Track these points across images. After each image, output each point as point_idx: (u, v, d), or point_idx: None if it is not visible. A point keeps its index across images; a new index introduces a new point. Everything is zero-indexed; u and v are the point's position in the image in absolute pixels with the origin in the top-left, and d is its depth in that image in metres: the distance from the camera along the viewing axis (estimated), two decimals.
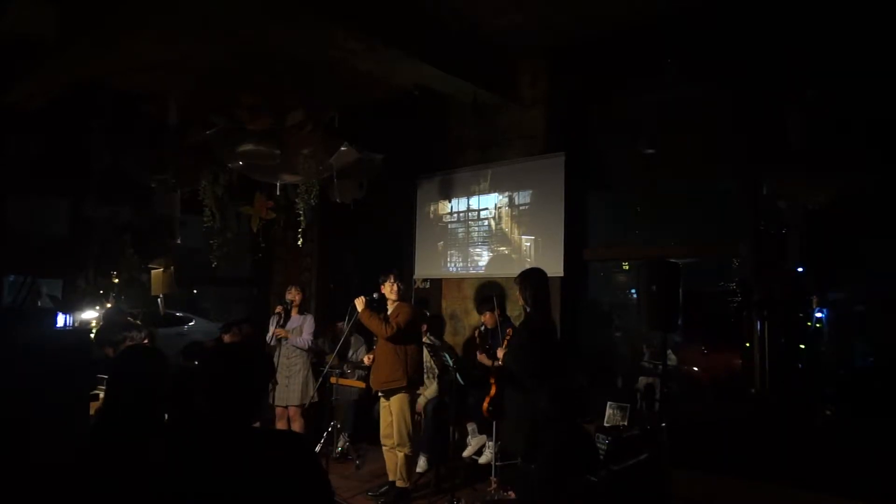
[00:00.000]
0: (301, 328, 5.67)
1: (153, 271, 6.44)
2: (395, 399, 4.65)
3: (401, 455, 4.62)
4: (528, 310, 4.09)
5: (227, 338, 6.32)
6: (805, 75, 4.69)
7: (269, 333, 5.72)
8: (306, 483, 1.80)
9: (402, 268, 6.75)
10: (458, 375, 5.17)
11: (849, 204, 4.64)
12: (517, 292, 4.23)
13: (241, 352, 2.10)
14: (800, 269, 5.19)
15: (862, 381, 4.99)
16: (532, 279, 4.12)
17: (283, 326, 5.67)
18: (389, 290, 4.77)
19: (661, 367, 4.36)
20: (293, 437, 2.00)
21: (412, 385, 4.66)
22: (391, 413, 4.69)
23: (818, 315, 5.29)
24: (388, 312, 4.76)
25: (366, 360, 5.75)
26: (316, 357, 6.20)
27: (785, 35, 4.64)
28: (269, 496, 1.72)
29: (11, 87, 5.17)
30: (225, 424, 1.83)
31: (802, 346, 5.23)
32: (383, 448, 4.78)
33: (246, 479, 1.72)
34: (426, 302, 6.77)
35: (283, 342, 5.65)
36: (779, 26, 4.65)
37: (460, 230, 6.62)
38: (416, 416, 5.23)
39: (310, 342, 5.65)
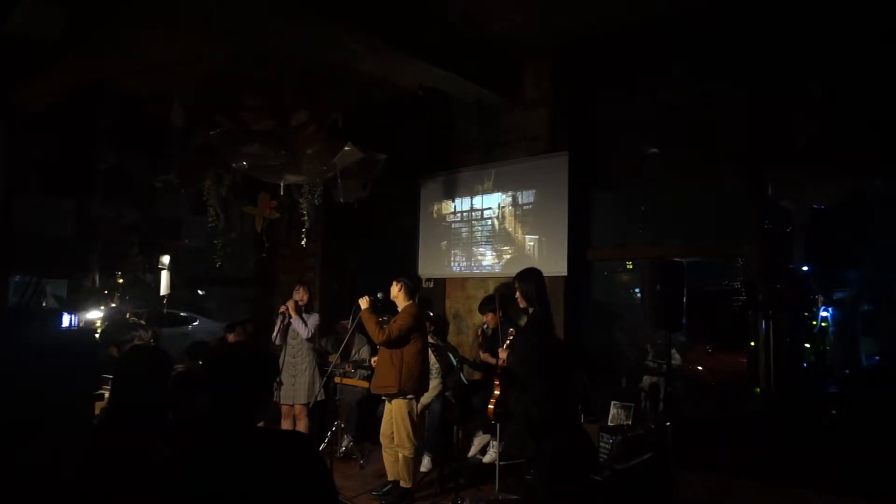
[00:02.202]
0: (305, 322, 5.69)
1: (162, 271, 6.46)
2: (394, 403, 4.66)
3: (402, 456, 4.62)
4: (530, 311, 4.08)
5: (231, 337, 6.35)
6: (809, 74, 4.67)
7: (274, 333, 5.73)
8: (311, 483, 1.80)
9: (406, 268, 6.76)
10: (461, 375, 5.17)
11: (854, 203, 4.62)
12: (516, 293, 4.21)
13: (243, 351, 2.10)
14: (805, 269, 5.18)
15: (868, 381, 4.98)
16: (532, 279, 4.10)
17: (288, 325, 5.68)
18: (395, 293, 4.77)
19: (665, 366, 4.36)
20: (298, 437, 2.00)
21: (405, 392, 4.62)
22: (391, 414, 4.70)
23: (823, 315, 5.28)
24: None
25: (372, 361, 5.76)
26: (320, 357, 6.20)
27: (789, 34, 4.63)
28: (273, 496, 1.72)
29: (17, 88, 5.19)
30: (228, 424, 1.83)
31: (808, 346, 5.23)
32: (382, 446, 4.79)
33: (251, 478, 1.72)
34: (430, 302, 6.77)
35: (289, 342, 5.66)
36: (783, 25, 4.63)
37: (464, 230, 6.62)
38: (416, 418, 5.22)
39: (310, 333, 5.64)
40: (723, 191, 5.34)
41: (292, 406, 5.61)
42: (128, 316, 6.06)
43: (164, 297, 6.53)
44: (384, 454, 4.78)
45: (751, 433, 4.43)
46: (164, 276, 6.46)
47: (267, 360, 2.04)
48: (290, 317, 5.63)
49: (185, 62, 5.09)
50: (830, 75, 4.60)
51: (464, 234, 6.61)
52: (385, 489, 4.75)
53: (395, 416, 4.65)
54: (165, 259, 6.44)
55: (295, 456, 1.81)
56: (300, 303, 5.69)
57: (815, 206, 4.85)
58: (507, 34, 5.50)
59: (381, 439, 4.77)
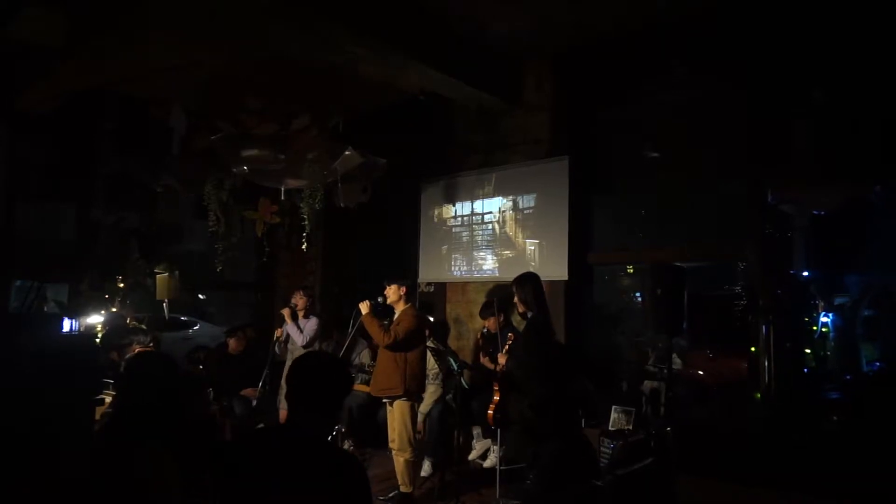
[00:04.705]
0: (301, 327, 5.70)
1: (158, 276, 6.46)
2: (397, 405, 4.65)
3: (402, 460, 4.61)
4: (529, 315, 4.08)
5: (231, 342, 6.35)
6: (811, 77, 4.67)
7: (274, 343, 5.74)
8: (362, 499, 1.92)
9: (407, 272, 6.75)
10: (462, 380, 5.17)
11: (855, 208, 4.62)
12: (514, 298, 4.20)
13: (325, 360, 2.24)
14: (805, 274, 5.18)
15: (868, 386, 4.97)
16: (529, 283, 4.10)
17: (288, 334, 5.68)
18: (394, 295, 4.77)
19: (666, 370, 4.35)
20: (356, 462, 2.10)
21: (409, 394, 4.63)
22: (395, 418, 4.69)
23: (824, 320, 5.28)
24: (395, 318, 4.76)
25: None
26: None
27: (790, 37, 4.63)
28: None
29: (20, 93, 5.20)
30: (304, 431, 1.93)
31: (808, 351, 5.22)
32: (392, 452, 4.77)
33: (304, 489, 1.82)
34: (430, 306, 6.77)
35: (290, 348, 5.66)
36: (784, 28, 4.64)
37: (464, 234, 6.62)
38: (417, 421, 5.23)
39: (306, 339, 5.64)
40: (724, 195, 5.34)
41: None
42: (128, 320, 6.04)
43: (162, 301, 6.53)
44: (395, 459, 4.74)
45: (751, 438, 4.42)
46: (161, 281, 6.45)
47: (346, 370, 2.13)
48: (285, 323, 5.64)
49: (186, 67, 5.10)
50: (831, 78, 4.60)
51: (464, 239, 6.61)
52: (391, 494, 4.73)
53: (397, 418, 4.64)
54: (168, 266, 6.43)
55: (352, 472, 1.90)
56: (297, 308, 5.70)
57: (815, 211, 4.85)
58: (507, 38, 5.51)
59: (390, 445, 4.74)
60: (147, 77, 5.35)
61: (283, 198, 5.98)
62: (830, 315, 5.30)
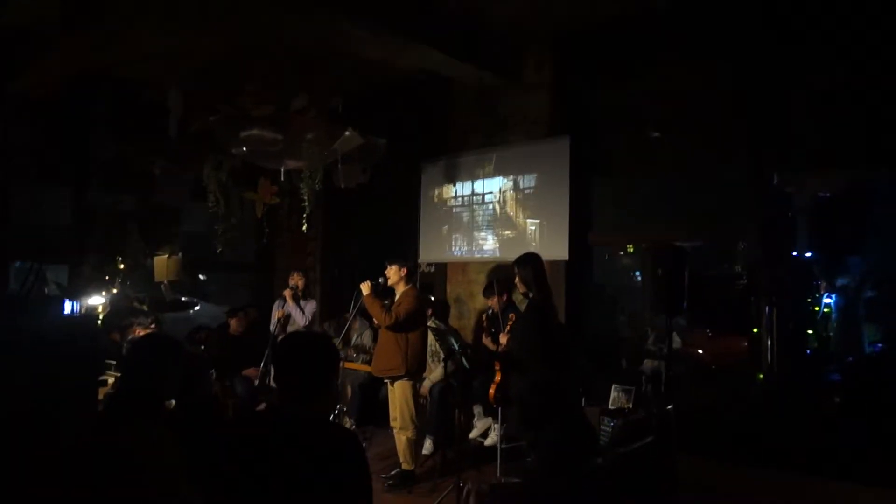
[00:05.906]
0: (303, 308, 5.73)
1: (157, 257, 6.46)
2: (398, 385, 4.68)
3: (403, 438, 4.65)
4: (531, 295, 4.08)
5: (233, 323, 6.36)
6: (815, 61, 4.62)
7: (272, 324, 5.75)
8: (354, 480, 1.89)
9: (407, 252, 6.75)
10: (463, 359, 5.19)
11: (858, 190, 4.60)
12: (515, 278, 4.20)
13: (308, 339, 2.20)
14: (808, 255, 5.17)
15: (870, 367, 4.99)
16: (530, 263, 4.09)
17: (288, 315, 5.71)
18: (395, 276, 4.76)
19: (665, 350, 4.36)
20: (351, 434, 2.08)
21: (411, 374, 4.66)
22: (395, 396, 4.72)
23: (826, 301, 5.28)
24: (396, 299, 4.76)
25: None
26: None
27: (793, 20, 4.57)
28: (317, 485, 1.81)
29: (17, 77, 5.15)
30: (293, 410, 1.91)
31: (810, 332, 5.23)
32: (393, 431, 4.80)
33: (300, 466, 1.80)
34: (431, 286, 6.77)
35: (289, 328, 5.69)
36: (787, 11, 4.58)
37: (465, 214, 6.60)
38: (421, 399, 5.26)
39: (307, 320, 5.67)
40: (726, 176, 5.31)
41: None
42: (134, 303, 6.07)
43: (161, 282, 6.54)
44: (396, 438, 4.78)
45: (752, 418, 4.45)
46: (160, 262, 6.46)
47: (330, 347, 2.11)
48: (286, 304, 5.66)
49: (185, 50, 5.04)
50: (835, 62, 4.55)
51: (465, 219, 6.59)
52: (393, 472, 4.77)
53: (398, 397, 4.66)
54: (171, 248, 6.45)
55: (345, 451, 1.88)
56: (297, 289, 5.73)
57: (818, 193, 4.84)
58: (507, 19, 5.44)
59: (392, 423, 4.78)
60: (145, 61, 5.30)
61: (282, 179, 5.95)
62: (833, 296, 5.30)
